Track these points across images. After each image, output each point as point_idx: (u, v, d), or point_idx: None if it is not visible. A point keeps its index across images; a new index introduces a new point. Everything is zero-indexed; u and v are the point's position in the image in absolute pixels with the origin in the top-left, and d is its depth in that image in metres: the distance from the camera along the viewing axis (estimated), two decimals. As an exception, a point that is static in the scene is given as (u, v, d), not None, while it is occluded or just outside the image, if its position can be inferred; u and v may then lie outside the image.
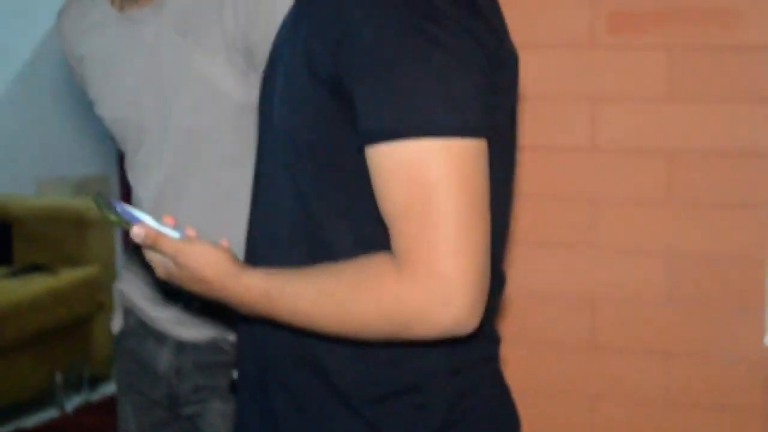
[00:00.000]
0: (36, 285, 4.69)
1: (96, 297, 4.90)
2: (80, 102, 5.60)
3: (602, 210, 2.55)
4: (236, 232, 2.14)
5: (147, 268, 1.98)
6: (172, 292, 2.19)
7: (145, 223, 1.50)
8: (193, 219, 2.13)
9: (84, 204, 5.02)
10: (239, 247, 2.13)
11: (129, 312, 2.29)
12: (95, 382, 4.87)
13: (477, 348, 1.52)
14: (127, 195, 2.49)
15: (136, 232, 1.48)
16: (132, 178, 2.23)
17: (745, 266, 2.47)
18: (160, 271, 1.53)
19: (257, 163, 1.63)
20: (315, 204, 1.49)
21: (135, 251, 2.23)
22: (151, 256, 1.52)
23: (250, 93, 2.06)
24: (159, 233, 1.49)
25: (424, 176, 1.35)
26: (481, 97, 1.39)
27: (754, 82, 2.44)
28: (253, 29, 2.02)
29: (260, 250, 1.61)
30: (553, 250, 2.58)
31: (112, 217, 1.51)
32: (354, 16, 1.39)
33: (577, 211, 2.55)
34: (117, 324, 2.32)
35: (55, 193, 5.49)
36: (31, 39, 5.67)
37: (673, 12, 2.45)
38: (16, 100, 5.63)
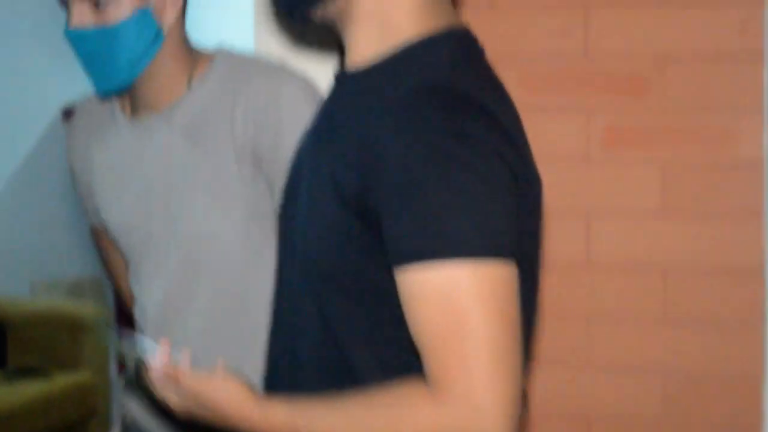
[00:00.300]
0: (29, 389, 4.66)
1: (89, 402, 4.86)
2: (74, 204, 5.61)
3: (598, 326, 2.54)
4: (245, 341, 2.13)
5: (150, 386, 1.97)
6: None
7: (161, 357, 1.49)
8: (199, 328, 2.13)
9: (78, 307, 5.01)
10: (249, 357, 2.12)
11: (130, 428, 2.27)
12: (88, 489, 4.82)
13: None
14: (120, 298, 2.48)
15: (156, 371, 1.47)
16: (136, 287, 2.22)
17: (742, 384, 2.46)
18: (176, 404, 1.51)
19: (278, 284, 1.61)
20: (340, 329, 1.47)
21: (137, 371, 2.22)
22: (167, 392, 1.51)
23: (259, 201, 2.07)
24: (178, 369, 1.47)
25: (457, 300, 1.33)
26: (509, 220, 1.38)
27: (747, 199, 2.44)
28: (261, 138, 2.04)
29: (282, 374, 1.58)
30: (547, 367, 2.56)
31: (125, 352, 1.50)
32: (380, 140, 1.38)
33: (572, 327, 2.54)
34: None
35: (49, 295, 5.48)
36: (27, 141, 5.71)
37: (668, 129, 2.47)
38: (10, 201, 5.64)
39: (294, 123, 2.05)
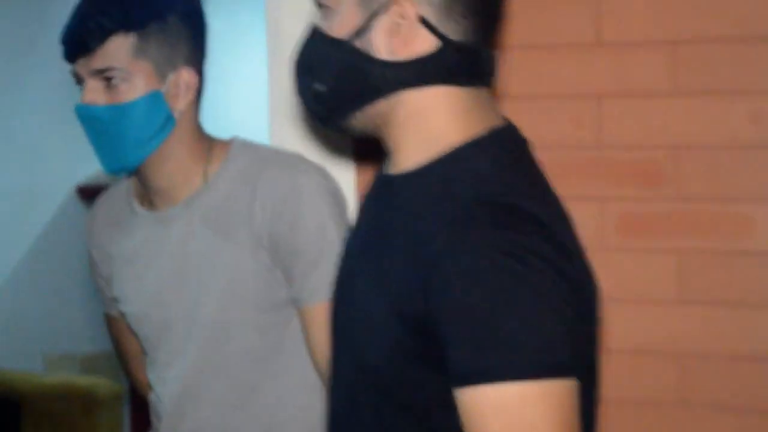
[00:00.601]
0: (43, 467, 4.65)
1: (104, 480, 4.85)
2: (88, 279, 5.61)
3: (614, 413, 2.53)
4: (259, 428, 2.12)
5: None
6: None
7: None
8: (215, 418, 2.13)
9: (92, 382, 5.00)
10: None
11: None
12: None
13: None
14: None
15: None
16: (152, 376, 2.22)
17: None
18: None
19: (333, 388, 1.61)
20: None
21: None
22: None
23: (276, 291, 2.08)
24: None
25: (521, 418, 1.33)
26: (570, 335, 1.38)
27: (763, 287, 2.44)
28: (279, 229, 2.05)
29: None
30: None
31: None
32: (438, 257, 1.39)
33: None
34: None
35: (63, 370, 5.48)
36: (40, 217, 5.73)
37: (682, 217, 2.47)
38: (24, 276, 5.66)
39: (311, 215, 2.06)
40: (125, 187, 2.26)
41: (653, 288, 2.50)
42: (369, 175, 2.57)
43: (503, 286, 1.35)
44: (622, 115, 2.50)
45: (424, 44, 1.49)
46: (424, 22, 1.48)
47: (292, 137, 2.59)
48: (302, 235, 2.06)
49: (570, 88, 2.53)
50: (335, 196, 2.11)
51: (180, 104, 2.08)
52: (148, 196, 2.17)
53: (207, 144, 2.15)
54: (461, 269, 1.36)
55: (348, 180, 2.56)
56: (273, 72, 2.60)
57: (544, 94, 2.54)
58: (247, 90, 5.85)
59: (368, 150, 2.58)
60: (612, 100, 2.51)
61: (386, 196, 1.55)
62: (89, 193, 5.66)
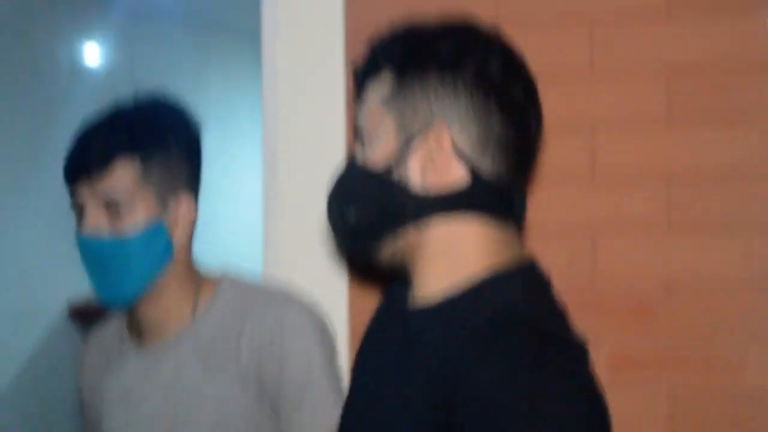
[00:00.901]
0: None
1: None
2: (77, 406, 5.56)
3: None
4: None
5: None
6: None
7: None
8: None
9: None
10: None
11: None
12: None
13: None
14: None
15: None
16: None
17: None
18: None
19: None
20: None
21: None
22: None
23: (264, 426, 2.05)
24: None
25: None
26: None
27: (757, 426, 2.42)
28: (266, 366, 2.04)
29: None
30: None
31: None
32: (465, 378, 1.38)
33: None
34: None
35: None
36: (30, 338, 5.71)
37: (676, 353, 2.46)
38: (11, 401, 5.62)
39: (298, 354, 2.05)
40: (117, 320, 2.25)
41: (644, 424, 2.48)
42: (362, 294, 2.56)
43: (533, 407, 1.33)
44: (616, 250, 2.50)
45: (457, 175, 1.49)
46: (459, 153, 1.48)
47: (286, 258, 2.59)
48: (288, 374, 2.05)
49: (563, 222, 2.53)
50: (323, 332, 2.10)
51: (178, 235, 2.07)
52: (137, 327, 2.15)
53: (198, 277, 2.14)
54: (486, 384, 1.35)
55: (341, 301, 2.55)
56: (268, 194, 2.61)
57: (537, 228, 2.54)
58: (241, 212, 5.89)
59: (362, 271, 2.58)
60: (606, 235, 2.51)
61: (406, 327, 1.55)
62: (81, 314, 5.64)
